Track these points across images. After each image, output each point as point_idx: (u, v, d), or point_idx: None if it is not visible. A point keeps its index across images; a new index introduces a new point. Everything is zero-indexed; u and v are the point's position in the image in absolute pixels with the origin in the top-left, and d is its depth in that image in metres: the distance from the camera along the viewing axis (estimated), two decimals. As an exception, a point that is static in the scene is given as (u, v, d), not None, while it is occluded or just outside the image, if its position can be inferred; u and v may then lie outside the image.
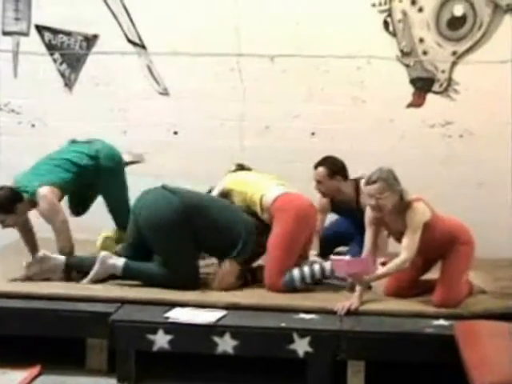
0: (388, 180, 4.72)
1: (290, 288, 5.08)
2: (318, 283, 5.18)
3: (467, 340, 4.11)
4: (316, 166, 5.58)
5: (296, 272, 5.11)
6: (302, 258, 5.23)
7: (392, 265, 4.69)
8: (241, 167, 5.77)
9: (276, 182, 5.42)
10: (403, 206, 4.73)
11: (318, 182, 5.55)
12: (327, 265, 5.12)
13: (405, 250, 4.66)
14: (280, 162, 6.47)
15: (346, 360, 4.52)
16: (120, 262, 5.18)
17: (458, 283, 4.83)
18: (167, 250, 5.11)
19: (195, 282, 5.16)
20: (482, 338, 4.09)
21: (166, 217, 5.06)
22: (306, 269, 5.13)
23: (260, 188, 5.34)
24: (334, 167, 5.56)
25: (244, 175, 5.63)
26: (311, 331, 4.53)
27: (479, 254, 5.00)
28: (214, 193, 5.53)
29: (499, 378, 3.53)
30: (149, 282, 5.12)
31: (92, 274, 5.16)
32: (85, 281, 5.17)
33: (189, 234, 5.09)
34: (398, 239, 4.79)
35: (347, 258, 4.94)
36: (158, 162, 6.11)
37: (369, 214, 4.88)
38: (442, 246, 4.80)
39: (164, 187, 5.22)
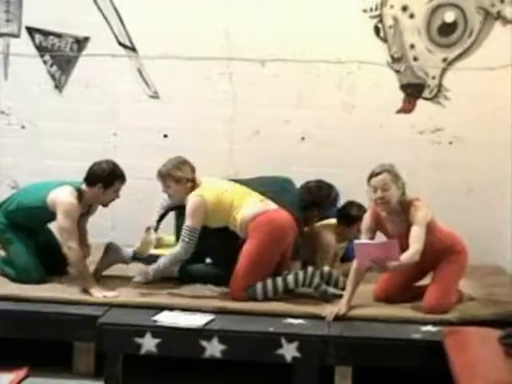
0: (392, 171, 4.75)
1: (253, 299, 5.01)
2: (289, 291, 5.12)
3: (455, 346, 4.12)
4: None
5: (259, 286, 5.02)
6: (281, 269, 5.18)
7: (405, 257, 4.62)
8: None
9: (255, 198, 5.30)
10: (404, 204, 4.75)
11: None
12: (290, 278, 5.06)
13: (414, 242, 4.64)
14: (270, 167, 6.47)
15: (334, 365, 4.52)
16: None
17: (449, 291, 4.85)
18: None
19: None
20: (470, 344, 4.09)
21: None
22: (269, 283, 5.04)
23: (241, 205, 5.21)
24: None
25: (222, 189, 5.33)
26: (299, 336, 4.52)
27: (468, 259, 5.01)
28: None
29: (486, 385, 3.53)
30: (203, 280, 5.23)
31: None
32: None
33: None
34: (400, 245, 4.77)
35: (372, 241, 4.81)
36: (147, 164, 6.09)
37: (365, 221, 4.89)
38: (439, 253, 4.81)
39: None
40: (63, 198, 5.19)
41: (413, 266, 4.82)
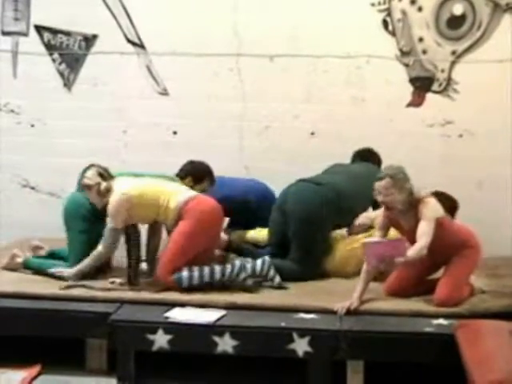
0: (395, 177, 4.73)
1: (179, 285, 5.01)
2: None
3: (467, 339, 4.11)
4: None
5: (185, 272, 5.01)
6: (208, 259, 5.19)
7: (412, 252, 4.64)
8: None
9: (182, 187, 5.35)
10: (414, 203, 4.74)
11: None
12: (217, 269, 5.04)
13: (421, 236, 4.64)
14: (279, 162, 6.48)
15: (346, 360, 4.52)
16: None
17: (461, 285, 4.84)
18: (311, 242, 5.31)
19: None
20: (482, 337, 4.08)
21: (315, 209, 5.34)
22: (196, 270, 5.02)
23: (170, 194, 5.19)
24: None
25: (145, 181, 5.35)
26: (311, 331, 4.52)
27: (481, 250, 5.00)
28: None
29: (499, 377, 3.52)
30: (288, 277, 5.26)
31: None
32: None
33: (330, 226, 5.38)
34: (411, 241, 4.78)
35: (382, 239, 4.79)
36: (157, 161, 6.10)
37: (379, 219, 4.89)
38: (451, 248, 4.80)
39: (305, 180, 5.50)
40: (118, 198, 5.20)
41: (424, 261, 4.82)
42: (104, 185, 5.21)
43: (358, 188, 5.55)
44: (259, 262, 5.12)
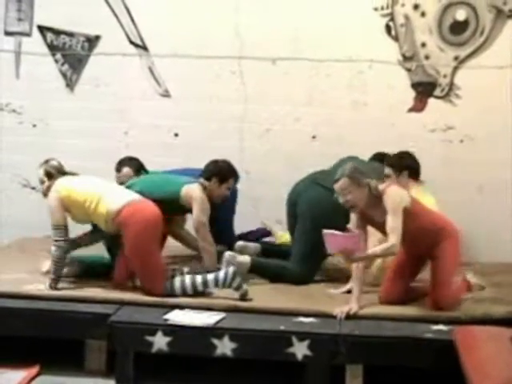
0: (351, 175, 4.72)
1: (170, 294, 4.98)
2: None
3: (466, 344, 4.11)
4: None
5: (177, 281, 4.98)
6: None
7: (380, 248, 4.65)
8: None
9: (116, 189, 5.29)
10: (378, 196, 4.73)
11: None
12: (210, 276, 4.98)
13: (390, 233, 4.61)
14: (280, 165, 6.49)
15: (345, 364, 4.52)
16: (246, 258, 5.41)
17: (449, 281, 4.80)
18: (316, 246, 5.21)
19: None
20: (481, 343, 4.08)
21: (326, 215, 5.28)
22: (188, 279, 4.99)
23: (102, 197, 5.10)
24: None
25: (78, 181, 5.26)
26: (310, 334, 4.52)
27: (479, 258, 5.00)
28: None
29: (498, 383, 3.52)
30: (276, 277, 5.36)
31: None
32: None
33: None
34: (384, 233, 4.77)
35: (340, 232, 4.69)
36: (158, 163, 6.10)
37: (353, 219, 4.87)
38: (427, 236, 4.76)
39: (318, 183, 5.52)
40: (199, 193, 5.38)
41: (411, 260, 4.83)
42: (46, 184, 5.19)
43: None
44: (222, 272, 5.00)
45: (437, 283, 4.77)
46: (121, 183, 5.67)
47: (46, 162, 5.30)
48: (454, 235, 4.85)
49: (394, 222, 4.62)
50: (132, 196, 5.16)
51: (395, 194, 4.72)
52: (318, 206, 5.43)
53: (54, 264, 5.05)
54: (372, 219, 4.83)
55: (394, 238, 4.59)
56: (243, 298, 4.96)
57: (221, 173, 5.56)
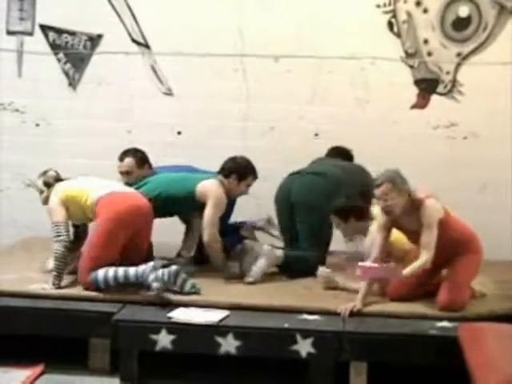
0: (393, 180, 4.72)
1: (96, 287, 4.96)
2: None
3: (471, 341, 4.10)
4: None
5: (101, 273, 4.95)
6: (137, 257, 5.14)
7: (415, 266, 4.65)
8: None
9: (101, 183, 5.31)
10: (414, 205, 4.73)
11: None
12: (131, 270, 4.94)
13: (424, 249, 4.64)
14: (283, 163, 6.47)
15: (349, 361, 4.51)
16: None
17: (463, 289, 4.82)
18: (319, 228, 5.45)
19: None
20: (486, 340, 4.08)
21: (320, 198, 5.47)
22: (111, 271, 4.95)
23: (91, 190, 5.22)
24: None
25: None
26: (314, 332, 4.52)
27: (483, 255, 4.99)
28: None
29: (503, 379, 3.52)
30: (305, 265, 5.38)
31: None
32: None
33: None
34: (415, 241, 4.78)
35: (376, 265, 4.72)
36: (162, 161, 6.10)
37: (380, 220, 4.88)
38: (453, 248, 4.79)
39: (301, 173, 5.64)
40: (215, 190, 5.37)
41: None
42: (45, 194, 5.30)
43: (350, 180, 5.60)
44: (166, 270, 4.94)
45: (452, 288, 4.76)
46: (120, 173, 5.68)
47: (44, 173, 5.37)
48: (479, 250, 4.89)
49: (428, 237, 4.65)
50: (113, 189, 5.20)
51: (433, 208, 4.72)
52: (312, 191, 5.55)
53: (56, 261, 5.05)
54: (401, 225, 4.84)
55: (427, 255, 4.63)
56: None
57: (240, 170, 5.52)
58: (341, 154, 6.08)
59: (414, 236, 4.78)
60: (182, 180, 5.53)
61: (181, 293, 4.94)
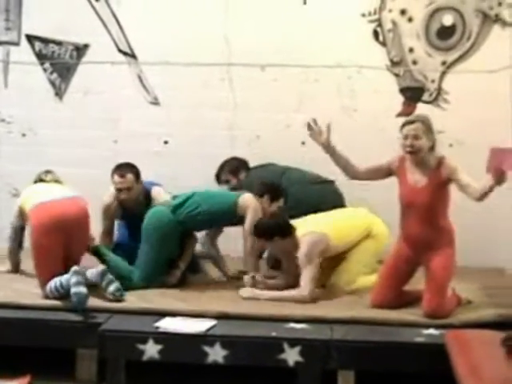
0: (427, 122, 4.81)
1: (52, 297, 5.02)
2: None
3: (458, 349, 4.11)
4: None
5: (48, 285, 5.02)
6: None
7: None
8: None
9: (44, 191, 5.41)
10: (432, 158, 4.79)
11: None
12: (62, 279, 4.97)
13: (473, 183, 4.66)
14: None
15: (337, 369, 4.51)
16: None
17: (445, 289, 4.82)
18: None
19: None
20: (473, 347, 4.09)
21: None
22: (52, 283, 5.01)
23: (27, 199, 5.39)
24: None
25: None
26: (301, 340, 4.52)
27: (467, 262, 5.01)
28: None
29: (489, 387, 3.53)
30: None
31: None
32: None
33: None
34: (409, 197, 4.82)
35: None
36: (148, 171, 6.10)
37: (389, 159, 4.96)
38: (437, 225, 4.82)
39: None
40: (255, 203, 5.50)
41: (403, 266, 4.88)
42: None
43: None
44: (94, 270, 5.03)
45: (434, 290, 4.77)
46: (120, 189, 5.65)
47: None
48: (453, 244, 4.89)
49: (466, 178, 4.71)
50: (50, 197, 5.26)
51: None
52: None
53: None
54: (404, 175, 4.86)
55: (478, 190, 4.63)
56: (115, 297, 4.98)
57: (273, 191, 5.64)
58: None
59: (410, 191, 4.81)
60: (220, 196, 5.65)
61: (105, 293, 5.00)
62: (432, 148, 4.81)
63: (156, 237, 5.43)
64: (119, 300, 5.01)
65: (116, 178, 5.66)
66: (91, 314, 4.83)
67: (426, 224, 4.79)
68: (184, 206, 5.51)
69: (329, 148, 4.97)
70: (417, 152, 4.78)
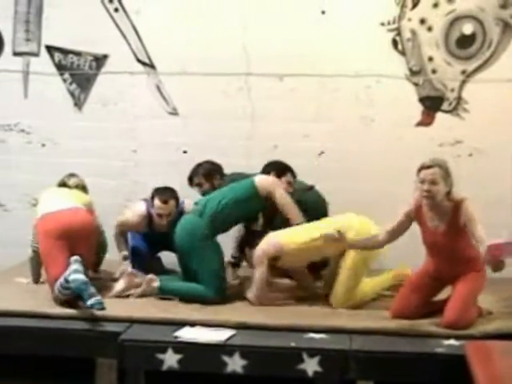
0: (444, 167, 4.76)
1: (62, 296, 5.08)
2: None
3: (478, 360, 4.08)
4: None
5: (58, 281, 5.08)
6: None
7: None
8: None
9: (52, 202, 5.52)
10: (450, 204, 4.75)
11: None
12: (66, 273, 5.01)
13: (481, 244, 4.59)
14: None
15: (355, 380, 4.50)
16: None
17: (469, 307, 4.81)
18: None
19: None
20: (494, 358, 4.07)
21: None
22: (58, 282, 5.08)
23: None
24: None
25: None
26: (320, 351, 4.51)
27: (487, 273, 4.97)
28: None
29: (510, 398, 3.51)
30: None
31: None
32: None
33: None
34: (430, 241, 4.81)
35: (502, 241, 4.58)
36: (167, 181, 6.11)
37: (407, 207, 4.90)
38: (462, 263, 4.80)
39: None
40: (272, 179, 5.54)
41: (430, 282, 4.84)
42: None
43: None
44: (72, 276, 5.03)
45: (458, 306, 4.74)
46: (161, 215, 5.66)
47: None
48: (484, 271, 4.86)
49: (479, 230, 4.63)
50: (56, 208, 5.39)
51: (472, 208, 4.73)
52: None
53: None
54: (423, 220, 4.84)
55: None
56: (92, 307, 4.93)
57: (278, 166, 5.69)
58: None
59: (431, 236, 4.80)
60: (237, 185, 5.59)
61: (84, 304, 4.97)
62: (449, 193, 4.78)
63: (201, 247, 5.34)
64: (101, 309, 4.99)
65: (158, 203, 5.63)
66: (110, 324, 4.84)
67: (452, 261, 4.80)
68: (208, 205, 5.45)
69: (352, 246, 5.00)
70: (433, 197, 4.75)
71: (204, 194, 5.87)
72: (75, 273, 4.93)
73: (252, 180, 5.53)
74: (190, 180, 6.04)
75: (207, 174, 6.01)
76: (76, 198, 5.62)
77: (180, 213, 5.69)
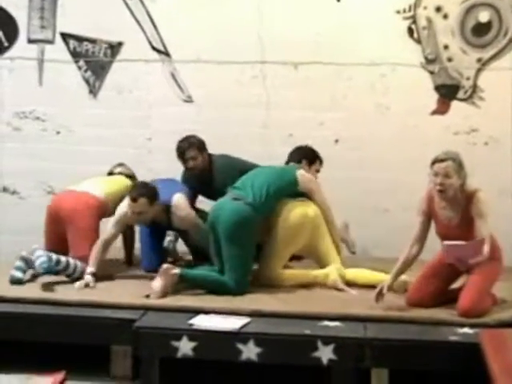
0: (458, 160, 4.75)
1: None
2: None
3: (493, 348, 4.08)
4: None
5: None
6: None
7: (487, 251, 4.60)
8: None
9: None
10: (463, 195, 4.74)
11: None
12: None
13: (486, 238, 4.61)
14: (303, 170, 6.46)
15: (370, 368, 4.50)
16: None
17: (484, 295, 4.80)
18: None
19: None
20: (508, 346, 4.07)
21: None
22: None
23: None
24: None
25: None
26: (335, 339, 4.51)
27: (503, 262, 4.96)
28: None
29: (526, 387, 3.50)
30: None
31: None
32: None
33: None
34: (445, 234, 4.79)
35: (462, 242, 4.70)
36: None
37: (420, 204, 4.90)
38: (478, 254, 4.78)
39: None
40: (311, 177, 5.60)
41: (446, 271, 4.83)
42: None
43: None
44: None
45: (473, 295, 4.72)
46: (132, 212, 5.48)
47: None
48: (500, 257, 4.87)
49: (486, 229, 4.64)
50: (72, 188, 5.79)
51: (486, 200, 4.73)
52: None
53: None
54: (435, 213, 4.84)
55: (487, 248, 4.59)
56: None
57: (310, 155, 5.74)
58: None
59: (445, 229, 4.80)
60: (281, 171, 5.59)
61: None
62: (462, 186, 4.76)
63: (246, 237, 5.24)
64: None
65: (128, 200, 5.43)
66: (125, 311, 4.86)
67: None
68: (253, 193, 5.34)
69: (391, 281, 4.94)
70: (446, 190, 4.74)
71: (193, 169, 5.90)
72: (16, 270, 5.38)
73: (294, 173, 5.52)
74: (182, 154, 5.94)
75: (201, 147, 5.96)
76: (102, 184, 5.81)
77: (167, 208, 5.53)
